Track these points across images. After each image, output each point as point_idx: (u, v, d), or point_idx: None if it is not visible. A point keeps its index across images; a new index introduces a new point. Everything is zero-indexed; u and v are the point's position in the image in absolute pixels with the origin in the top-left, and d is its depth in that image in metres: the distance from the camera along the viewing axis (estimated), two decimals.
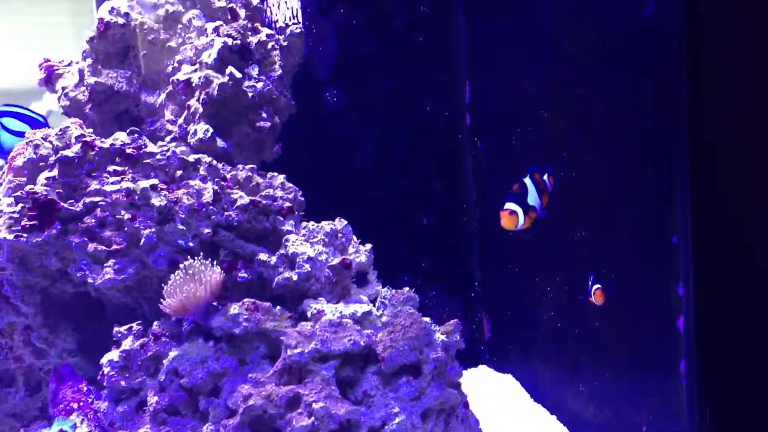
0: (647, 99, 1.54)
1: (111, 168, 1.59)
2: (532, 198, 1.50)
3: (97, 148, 1.59)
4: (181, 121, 1.80)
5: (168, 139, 1.84)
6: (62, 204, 1.53)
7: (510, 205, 1.47)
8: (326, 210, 1.76)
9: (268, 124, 1.80)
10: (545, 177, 1.52)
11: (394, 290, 1.59)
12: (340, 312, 1.53)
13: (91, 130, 1.72)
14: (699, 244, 1.47)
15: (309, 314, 1.55)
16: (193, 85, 1.78)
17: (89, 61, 1.90)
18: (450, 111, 1.99)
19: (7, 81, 4.33)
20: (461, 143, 1.99)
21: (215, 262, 1.51)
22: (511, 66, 1.84)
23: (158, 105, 1.89)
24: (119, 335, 1.52)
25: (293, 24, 1.85)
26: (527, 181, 1.51)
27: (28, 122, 2.10)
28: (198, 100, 1.77)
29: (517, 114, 1.84)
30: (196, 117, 1.77)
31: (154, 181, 1.57)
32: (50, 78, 1.98)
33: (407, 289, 1.59)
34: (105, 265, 1.53)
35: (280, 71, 1.84)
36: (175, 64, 1.89)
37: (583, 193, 1.67)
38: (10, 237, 1.49)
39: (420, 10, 1.93)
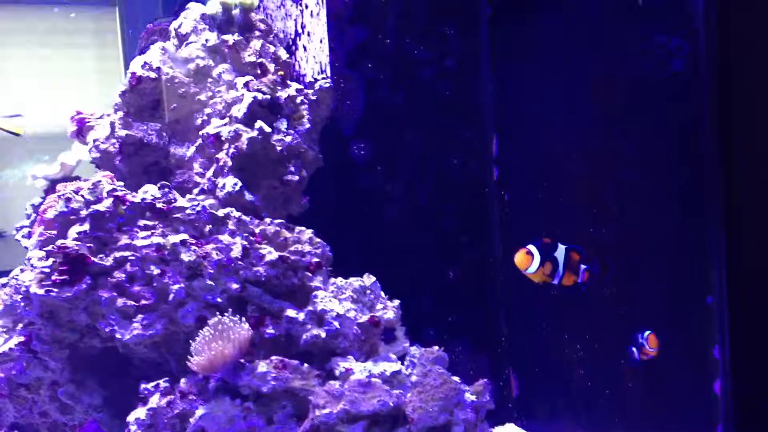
0: (679, 153, 1.53)
1: (141, 222, 1.60)
2: (558, 258, 1.45)
3: (128, 203, 1.60)
4: (209, 174, 1.81)
5: (196, 191, 1.85)
6: (92, 258, 1.54)
7: (530, 247, 1.42)
8: (351, 263, 1.75)
9: (296, 177, 1.81)
10: (583, 265, 1.46)
11: (423, 349, 1.57)
12: (369, 371, 1.52)
13: (121, 183, 1.73)
14: (735, 304, 1.44)
15: (337, 373, 1.53)
16: (223, 138, 1.80)
17: (120, 114, 1.93)
18: (476, 164, 1.99)
19: (35, 125, 4.40)
20: (488, 196, 1.99)
21: (243, 319, 1.51)
22: (538, 119, 1.84)
23: (187, 157, 1.90)
24: (146, 392, 1.51)
25: (322, 78, 1.87)
26: (561, 247, 1.46)
27: None
28: (227, 153, 1.78)
29: (545, 167, 1.83)
30: (225, 170, 1.78)
31: (184, 236, 1.57)
32: (82, 130, 2.01)
33: (437, 348, 1.58)
34: (133, 320, 1.52)
35: (308, 125, 1.85)
36: (205, 117, 1.91)
37: (614, 248, 1.65)
38: (41, 292, 1.49)
39: (446, 64, 1.95)
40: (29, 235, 2.28)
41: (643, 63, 1.64)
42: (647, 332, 1.47)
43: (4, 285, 2.28)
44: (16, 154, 4.33)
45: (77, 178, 2.34)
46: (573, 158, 1.76)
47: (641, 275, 1.62)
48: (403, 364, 1.58)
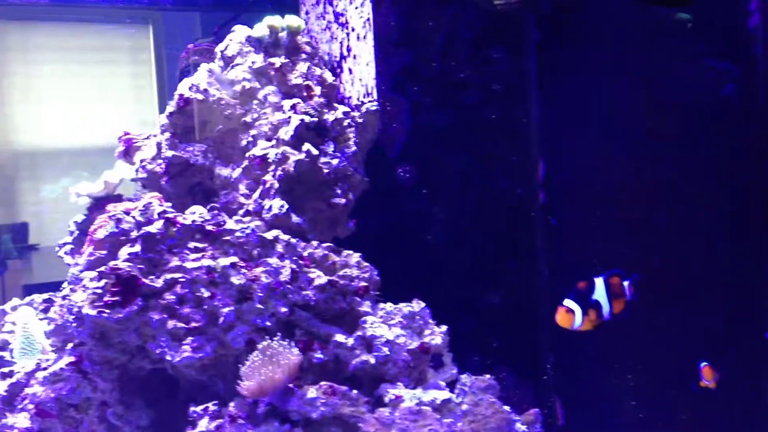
0: (734, 180, 1.50)
1: (191, 244, 1.60)
2: (599, 298, 1.42)
3: (179, 225, 1.61)
4: (256, 195, 1.82)
5: (241, 212, 1.86)
6: (144, 280, 1.54)
7: (568, 303, 1.40)
8: (395, 286, 1.74)
9: (343, 200, 1.80)
10: (626, 283, 1.44)
11: (474, 377, 1.55)
12: (419, 399, 1.50)
13: (170, 204, 1.74)
14: None
15: (387, 400, 1.52)
16: (270, 160, 1.80)
17: (167, 135, 1.95)
18: (523, 188, 1.97)
19: (72, 140, 4.47)
20: (534, 221, 1.97)
21: (292, 343, 1.50)
22: (587, 143, 1.83)
23: (233, 179, 1.91)
24: (195, 415, 1.50)
25: (369, 101, 1.87)
26: (599, 281, 1.43)
27: None
28: (274, 175, 1.79)
29: (593, 192, 1.82)
30: (272, 192, 1.78)
31: (234, 259, 1.57)
32: (129, 150, 2.02)
33: (488, 376, 1.55)
34: (183, 342, 1.52)
35: (354, 147, 1.85)
36: (250, 139, 1.92)
37: (667, 275, 1.62)
38: (93, 313, 1.50)
39: (493, 88, 1.94)
40: (72, 252, 2.30)
41: (693, 87, 1.63)
42: (703, 363, 1.44)
43: (47, 301, 2.31)
44: (52, 169, 4.39)
45: (120, 196, 2.36)
46: (622, 183, 1.74)
47: (696, 304, 1.59)
48: (452, 391, 1.56)
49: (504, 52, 1.94)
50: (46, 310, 2.14)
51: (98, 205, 2.34)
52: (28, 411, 1.59)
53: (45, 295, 2.37)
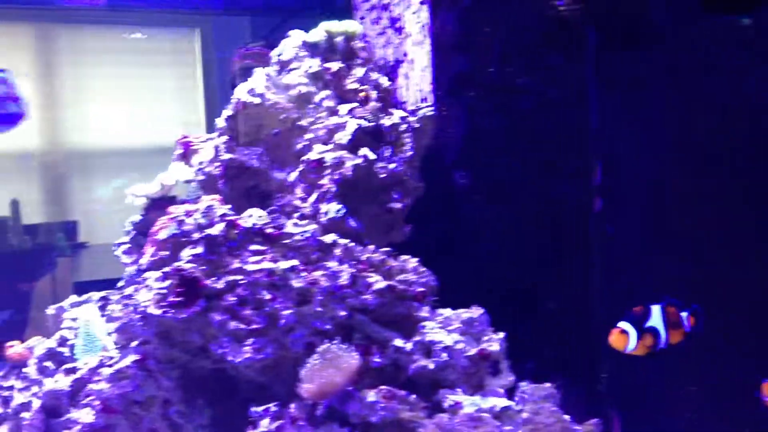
0: None
1: (252, 247, 1.63)
2: (655, 322, 1.41)
3: (240, 228, 1.63)
4: (312, 199, 1.84)
5: (296, 215, 1.88)
6: (206, 281, 1.57)
7: (623, 324, 1.39)
8: (449, 293, 1.74)
9: (399, 205, 1.81)
10: (684, 314, 1.42)
11: (534, 385, 1.55)
12: (478, 405, 1.50)
13: (229, 206, 1.77)
14: None
15: (445, 405, 1.52)
16: (326, 164, 1.82)
17: (225, 138, 1.98)
18: (579, 194, 1.96)
19: (120, 141, 4.57)
20: (590, 228, 1.95)
21: (351, 347, 1.51)
22: (647, 150, 1.81)
23: (288, 182, 1.93)
24: (256, 415, 1.52)
25: (425, 106, 1.88)
26: (655, 309, 1.42)
27: None
28: (330, 179, 1.80)
29: (652, 200, 1.79)
30: (328, 196, 1.80)
31: (294, 262, 1.59)
32: (187, 153, 2.06)
33: (548, 384, 1.54)
34: (244, 343, 1.54)
35: (410, 152, 1.86)
36: (306, 143, 1.94)
37: (729, 284, 1.59)
38: (158, 312, 1.53)
39: (550, 93, 1.93)
40: (129, 251, 2.35)
41: (759, 93, 1.59)
42: (765, 381, 1.42)
43: (103, 299, 2.36)
44: (101, 169, 4.50)
45: (174, 197, 2.41)
46: (684, 192, 1.71)
47: (759, 317, 1.56)
48: (511, 399, 1.56)
49: (562, 57, 1.92)
50: (103, 308, 2.20)
51: (154, 205, 2.39)
52: (93, 407, 1.63)
53: (102, 293, 2.43)
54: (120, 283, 2.41)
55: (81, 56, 4.49)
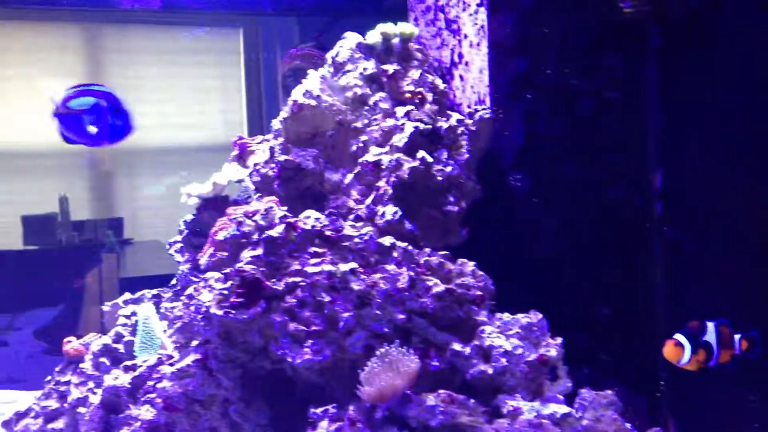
0: None
1: (311, 249, 1.64)
2: (709, 338, 1.41)
3: (299, 230, 1.64)
4: (368, 201, 1.84)
5: (351, 217, 1.88)
6: (266, 283, 1.58)
7: (679, 337, 1.39)
8: (504, 296, 1.73)
9: (456, 208, 1.81)
10: (737, 336, 1.41)
11: (594, 392, 1.53)
12: (538, 411, 1.48)
13: (285, 207, 1.78)
14: None
15: (504, 411, 1.51)
16: (383, 167, 1.82)
17: (281, 139, 1.99)
18: (638, 198, 1.92)
19: (164, 139, 4.64)
20: (649, 233, 1.92)
21: (411, 350, 1.51)
22: (712, 154, 1.77)
23: (342, 183, 1.94)
24: (315, 416, 1.53)
25: (483, 109, 1.86)
26: (710, 326, 1.41)
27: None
28: (387, 181, 1.80)
29: (715, 205, 1.75)
30: (385, 198, 1.80)
31: (354, 264, 1.59)
32: (243, 154, 2.08)
33: (610, 392, 1.52)
34: (304, 345, 1.55)
35: (467, 155, 1.85)
36: (360, 145, 1.94)
37: None
38: (220, 313, 1.55)
39: (610, 95, 1.90)
40: (181, 250, 2.38)
41: None
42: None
43: (156, 296, 2.40)
44: (147, 166, 4.57)
45: (227, 197, 2.44)
46: (749, 196, 1.67)
47: None
48: (570, 406, 1.54)
49: (622, 58, 1.89)
50: (155, 305, 2.23)
51: (206, 205, 2.42)
52: (155, 404, 1.66)
53: (154, 291, 2.47)
54: (172, 281, 2.45)
55: (127, 56, 4.57)
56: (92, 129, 1.65)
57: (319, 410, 1.53)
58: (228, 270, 1.60)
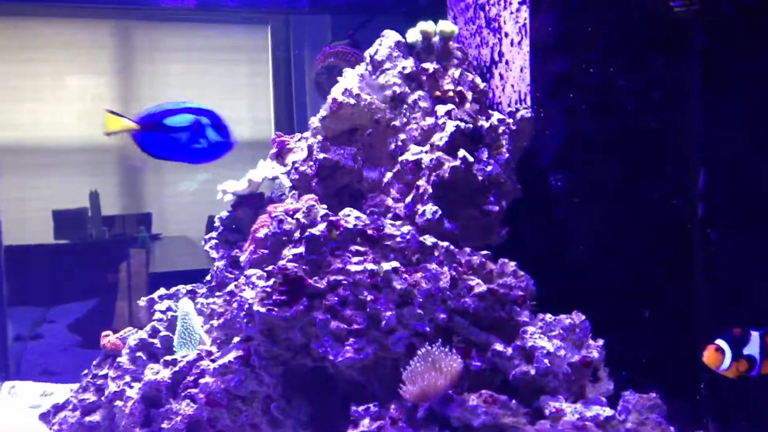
0: None
1: (353, 248, 1.64)
2: (752, 350, 1.38)
3: (341, 228, 1.65)
4: (408, 200, 1.84)
5: (389, 216, 1.88)
6: (309, 281, 1.59)
7: (720, 342, 1.37)
8: (543, 297, 1.71)
9: (496, 208, 1.80)
10: None
11: (638, 395, 1.51)
12: (581, 413, 1.47)
13: (325, 206, 1.79)
14: None
15: (547, 412, 1.50)
16: (423, 166, 1.82)
17: (319, 137, 2.00)
18: (680, 199, 1.90)
19: None
20: (691, 234, 1.89)
21: (454, 350, 1.51)
22: (757, 155, 1.74)
23: (382, 182, 1.94)
24: (356, 414, 1.54)
25: (524, 108, 1.85)
26: (755, 335, 1.39)
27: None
28: (427, 180, 1.80)
29: (762, 207, 1.73)
30: (425, 197, 1.80)
31: (396, 264, 1.59)
32: (281, 152, 2.09)
33: (653, 394, 1.51)
34: (345, 343, 1.56)
35: (507, 155, 1.84)
36: (399, 143, 1.94)
37: None
38: (263, 310, 1.56)
39: (652, 95, 1.88)
40: (216, 247, 2.40)
41: None
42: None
43: (191, 292, 2.42)
44: (185, 164, 4.60)
45: (262, 194, 2.45)
46: None
47: None
48: (613, 408, 1.53)
49: (665, 58, 1.87)
50: (191, 300, 2.25)
51: (241, 202, 2.44)
52: (197, 400, 1.67)
53: (189, 286, 2.49)
54: (206, 277, 2.47)
55: (157, 53, 4.61)
56: (200, 144, 1.66)
57: (360, 408, 1.54)
58: (270, 268, 1.60)
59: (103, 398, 2.14)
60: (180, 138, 1.67)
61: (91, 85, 4.13)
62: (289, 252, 1.65)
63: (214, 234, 2.43)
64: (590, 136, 1.87)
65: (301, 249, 1.64)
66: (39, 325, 3.44)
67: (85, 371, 2.28)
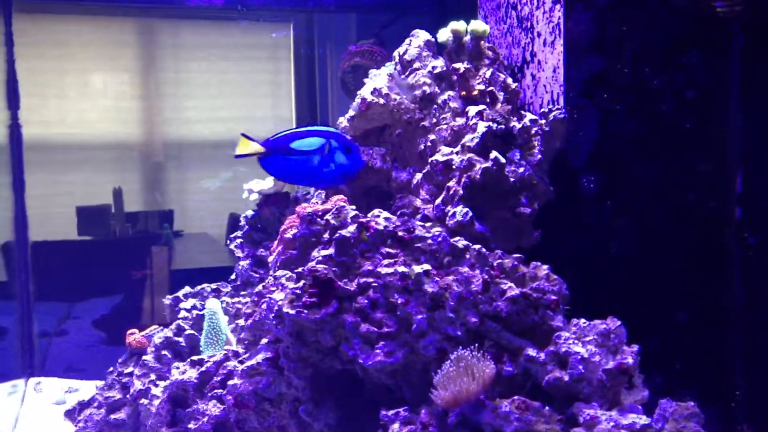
0: None
1: (384, 250, 1.62)
2: None
3: (372, 230, 1.63)
4: (438, 201, 1.81)
5: (418, 217, 1.86)
6: (338, 283, 1.57)
7: None
8: (574, 301, 1.68)
9: (528, 210, 1.77)
10: None
11: (675, 403, 1.48)
12: (616, 421, 1.44)
13: (354, 206, 1.77)
14: None
15: (581, 419, 1.47)
16: (453, 167, 1.79)
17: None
18: (716, 201, 1.85)
19: (215, 133, 4.69)
20: (727, 237, 1.85)
21: (487, 355, 1.48)
22: None
23: (411, 183, 1.92)
24: (386, 419, 1.52)
25: (556, 109, 1.82)
26: None
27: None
28: (458, 182, 1.77)
29: None
30: (455, 199, 1.77)
31: (427, 266, 1.57)
32: None
33: (691, 403, 1.47)
34: (375, 346, 1.54)
35: (539, 156, 1.81)
36: (428, 144, 1.92)
37: None
38: (292, 312, 1.54)
39: (687, 95, 1.84)
40: (241, 246, 2.40)
41: None
42: None
43: (215, 291, 2.42)
44: (196, 160, 4.62)
45: (287, 193, 2.45)
46: None
47: None
48: (648, 415, 1.49)
49: (702, 57, 1.82)
50: (215, 299, 2.25)
51: (266, 201, 2.43)
52: (225, 401, 1.66)
53: (213, 285, 2.49)
54: (231, 276, 2.47)
55: (181, 50, 4.62)
56: (329, 167, 1.72)
57: (390, 412, 1.52)
58: (300, 269, 1.59)
59: (128, 396, 2.15)
60: (308, 161, 1.69)
61: (115, 83, 4.15)
62: (318, 253, 1.63)
63: (239, 233, 2.43)
64: (624, 137, 1.83)
65: (331, 250, 1.62)
66: (64, 322, 3.47)
67: (111, 369, 2.29)
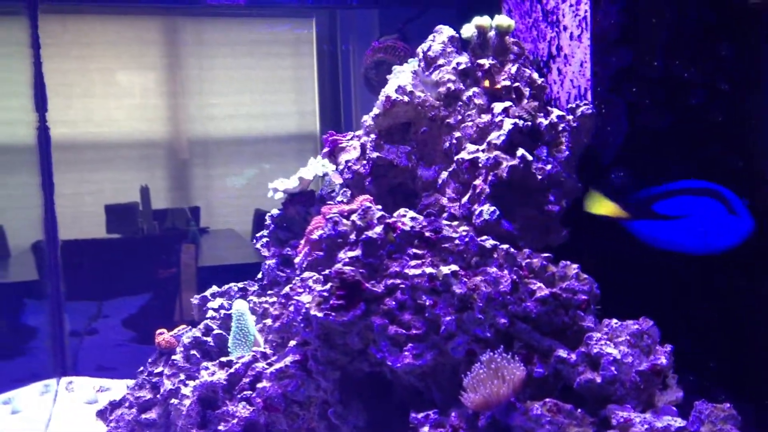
0: None
1: (411, 251, 1.61)
2: None
3: (399, 230, 1.61)
4: (464, 200, 1.79)
5: (444, 216, 1.85)
6: (366, 285, 1.56)
7: None
8: (606, 300, 1.66)
9: (556, 207, 1.74)
10: None
11: (711, 405, 1.45)
12: (650, 423, 1.41)
13: (380, 206, 1.76)
14: None
15: (614, 422, 1.45)
16: (479, 165, 1.77)
17: (372, 136, 1.97)
18: (750, 197, 1.81)
19: (239, 130, 4.71)
20: (762, 233, 1.80)
21: (517, 357, 1.47)
22: None
23: (437, 181, 1.90)
24: (416, 421, 1.51)
25: (584, 104, 1.79)
26: None
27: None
28: (484, 180, 1.75)
29: None
30: (482, 197, 1.75)
31: (455, 267, 1.56)
32: (333, 150, 2.07)
33: (728, 405, 1.44)
34: (404, 348, 1.53)
35: (567, 152, 1.78)
36: (454, 141, 1.90)
37: None
38: (320, 315, 1.54)
39: (720, 87, 1.79)
40: (267, 245, 2.40)
41: None
42: None
43: (242, 290, 2.43)
44: (221, 156, 4.65)
45: (312, 192, 2.44)
46: None
47: None
48: (683, 417, 1.46)
49: (734, 49, 1.78)
50: (242, 298, 2.25)
51: (292, 200, 2.43)
52: (255, 403, 1.67)
53: (240, 284, 2.50)
54: (258, 275, 2.47)
55: (205, 48, 4.64)
56: (708, 231, 1.45)
57: (420, 415, 1.51)
58: (327, 271, 1.58)
59: (158, 396, 2.17)
60: (683, 226, 1.41)
61: (140, 81, 4.19)
62: (345, 255, 1.62)
63: (264, 232, 2.43)
64: (654, 131, 1.79)
65: (358, 252, 1.61)
66: (94, 320, 3.51)
67: (141, 368, 2.31)
